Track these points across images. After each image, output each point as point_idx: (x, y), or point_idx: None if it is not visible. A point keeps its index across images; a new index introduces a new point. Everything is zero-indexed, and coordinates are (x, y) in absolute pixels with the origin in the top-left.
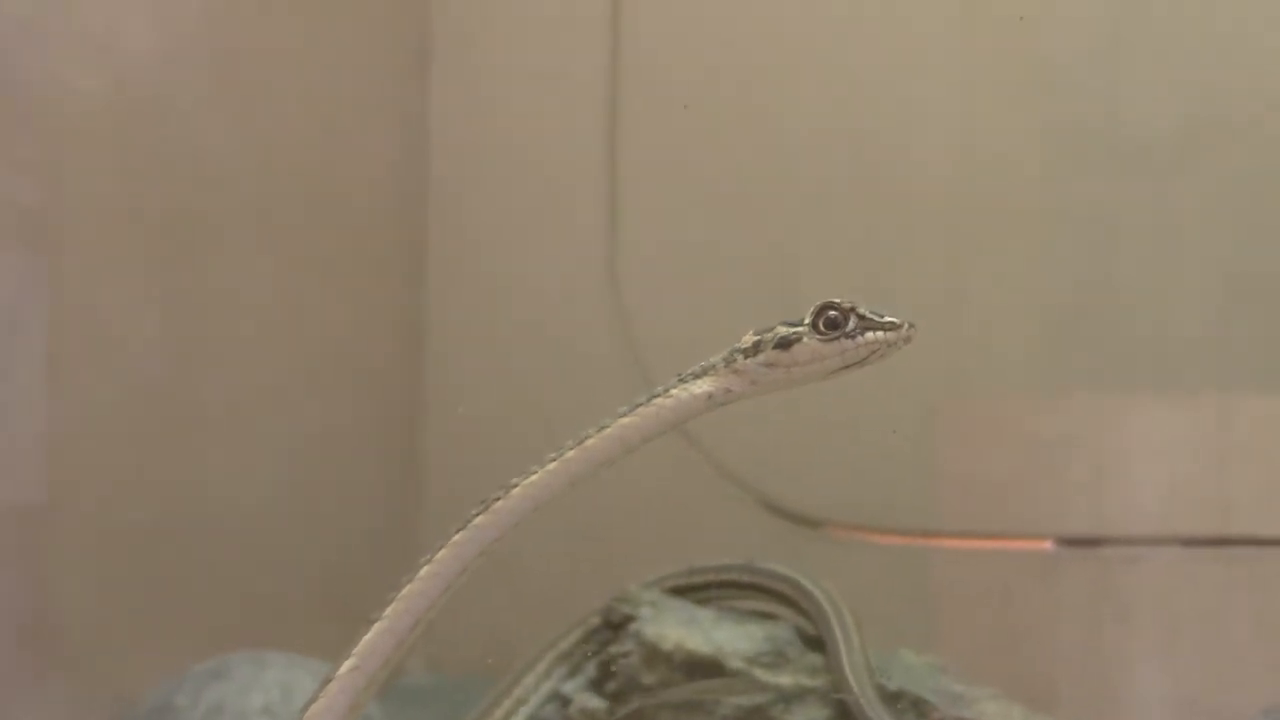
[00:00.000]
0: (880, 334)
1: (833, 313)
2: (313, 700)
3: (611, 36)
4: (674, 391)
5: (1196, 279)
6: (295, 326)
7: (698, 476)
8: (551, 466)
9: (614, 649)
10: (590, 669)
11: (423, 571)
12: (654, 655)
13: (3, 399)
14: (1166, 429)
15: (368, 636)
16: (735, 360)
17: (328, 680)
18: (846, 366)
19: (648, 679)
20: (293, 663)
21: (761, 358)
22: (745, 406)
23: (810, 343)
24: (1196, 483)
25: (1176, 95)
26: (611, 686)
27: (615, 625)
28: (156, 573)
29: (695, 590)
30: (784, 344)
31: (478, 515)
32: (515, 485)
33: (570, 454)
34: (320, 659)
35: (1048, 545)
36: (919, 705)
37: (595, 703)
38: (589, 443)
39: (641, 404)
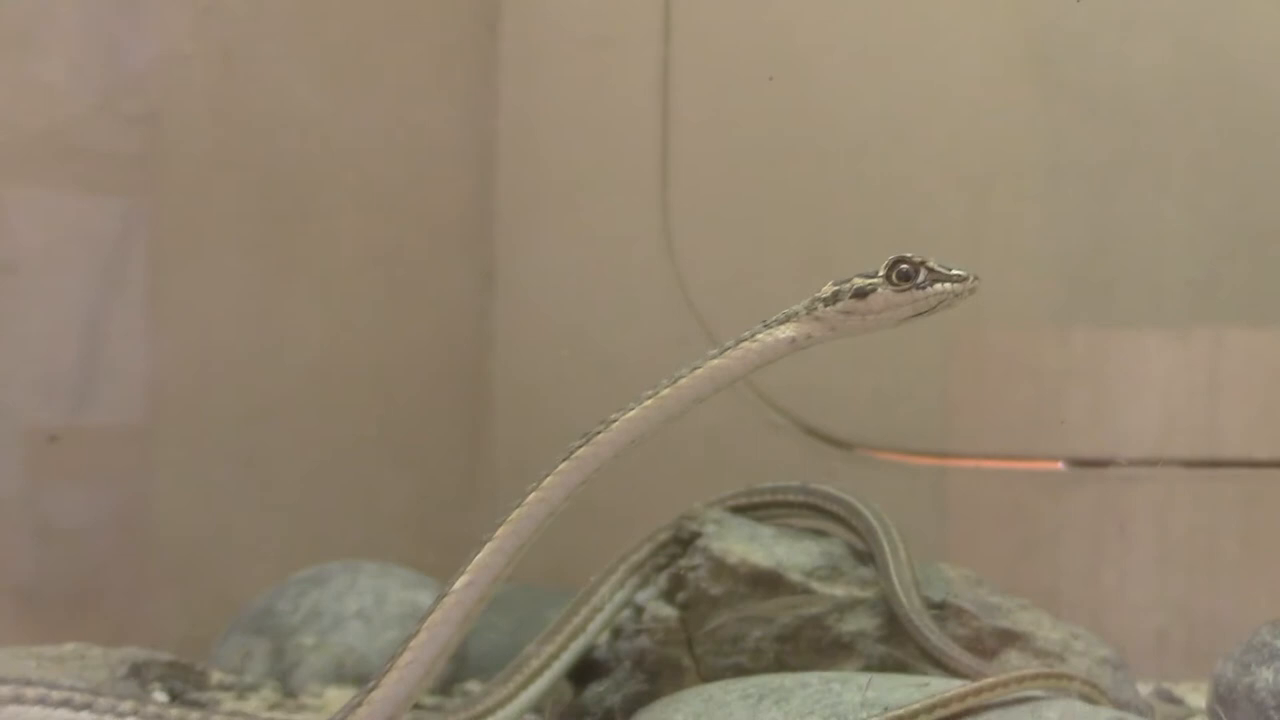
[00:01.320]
0: (948, 285)
1: (905, 266)
2: (430, 611)
3: (664, 5)
4: (760, 336)
5: (1190, 224)
6: (378, 268)
7: (746, 404)
8: (648, 403)
9: (683, 562)
10: (661, 580)
11: (530, 498)
12: (720, 568)
13: (111, 329)
14: (1163, 361)
15: (480, 555)
16: (816, 308)
17: (443, 595)
18: (917, 314)
19: (715, 590)
20: (383, 571)
21: (840, 306)
22: None
23: (885, 293)
24: (1190, 410)
25: (1174, 55)
26: (682, 596)
27: (684, 540)
28: (257, 491)
29: (755, 509)
30: (860, 294)
31: (580, 447)
32: (614, 420)
33: (665, 391)
34: (406, 569)
35: (1058, 466)
36: (960, 614)
37: (666, 611)
38: (682, 382)
39: (730, 347)
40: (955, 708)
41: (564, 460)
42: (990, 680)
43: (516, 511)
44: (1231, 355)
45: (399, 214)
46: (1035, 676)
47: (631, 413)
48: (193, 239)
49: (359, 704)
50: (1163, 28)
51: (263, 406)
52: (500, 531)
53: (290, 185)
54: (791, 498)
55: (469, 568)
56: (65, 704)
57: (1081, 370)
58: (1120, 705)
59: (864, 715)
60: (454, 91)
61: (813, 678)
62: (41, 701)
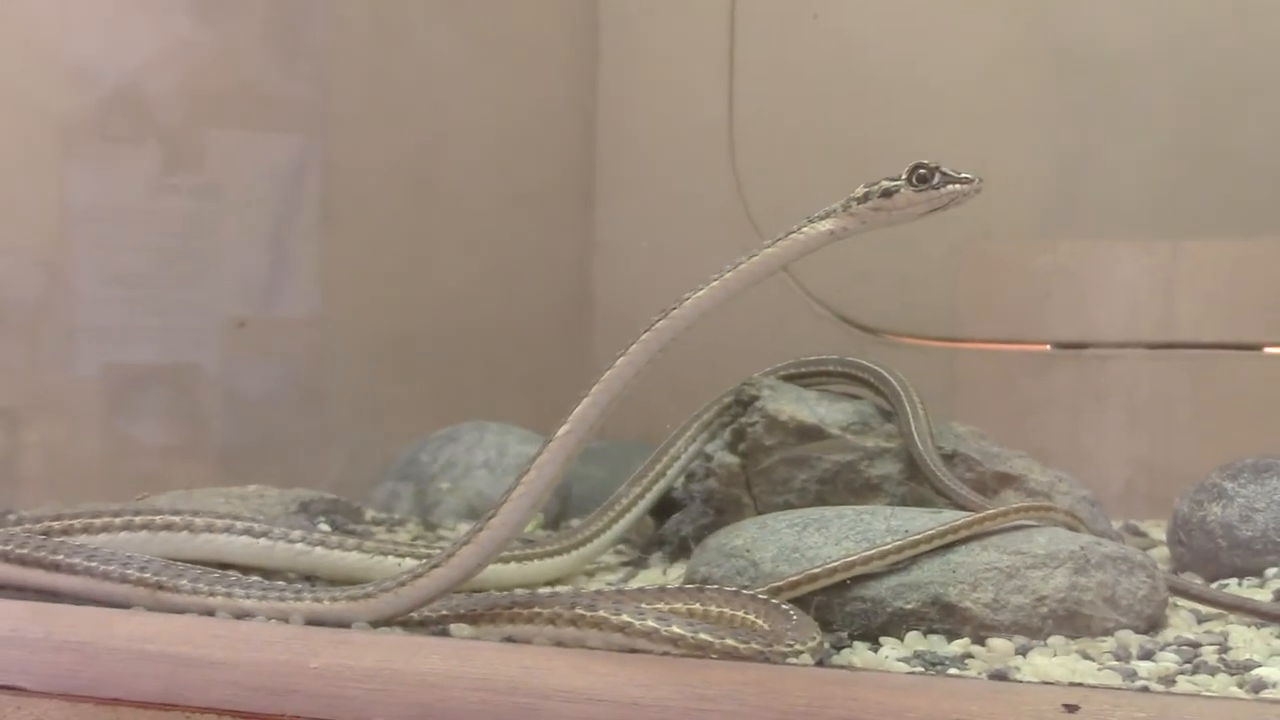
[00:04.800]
0: (958, 186)
1: (923, 170)
2: (539, 454)
3: None
4: (805, 229)
5: (1152, 156)
6: (502, 190)
7: (795, 299)
8: (714, 284)
9: (744, 420)
10: (726, 435)
11: (619, 361)
12: (774, 424)
13: (290, 240)
14: (1130, 264)
15: (579, 408)
16: (850, 206)
17: (549, 440)
18: (933, 210)
19: (769, 441)
20: (504, 430)
21: (870, 204)
22: (828, 249)
23: (906, 192)
24: (1151, 303)
25: (1139, 15)
26: (742, 447)
27: (744, 403)
28: (405, 368)
29: (802, 378)
30: (887, 194)
31: (659, 320)
32: (687, 298)
33: (729, 274)
34: (522, 428)
35: (1046, 348)
36: (967, 461)
37: (730, 459)
38: (742, 266)
39: (781, 238)
40: (964, 533)
41: (646, 331)
42: (992, 512)
43: (609, 372)
44: (1184, 260)
45: (518, 148)
46: (1028, 509)
47: (700, 292)
48: (354, 169)
49: (481, 528)
50: None
51: (410, 302)
52: (595, 388)
53: (431, 128)
54: (831, 368)
55: (570, 418)
56: (247, 532)
57: (1064, 272)
58: (1096, 534)
59: (889, 539)
60: (562, 50)
61: (848, 510)
62: (228, 530)
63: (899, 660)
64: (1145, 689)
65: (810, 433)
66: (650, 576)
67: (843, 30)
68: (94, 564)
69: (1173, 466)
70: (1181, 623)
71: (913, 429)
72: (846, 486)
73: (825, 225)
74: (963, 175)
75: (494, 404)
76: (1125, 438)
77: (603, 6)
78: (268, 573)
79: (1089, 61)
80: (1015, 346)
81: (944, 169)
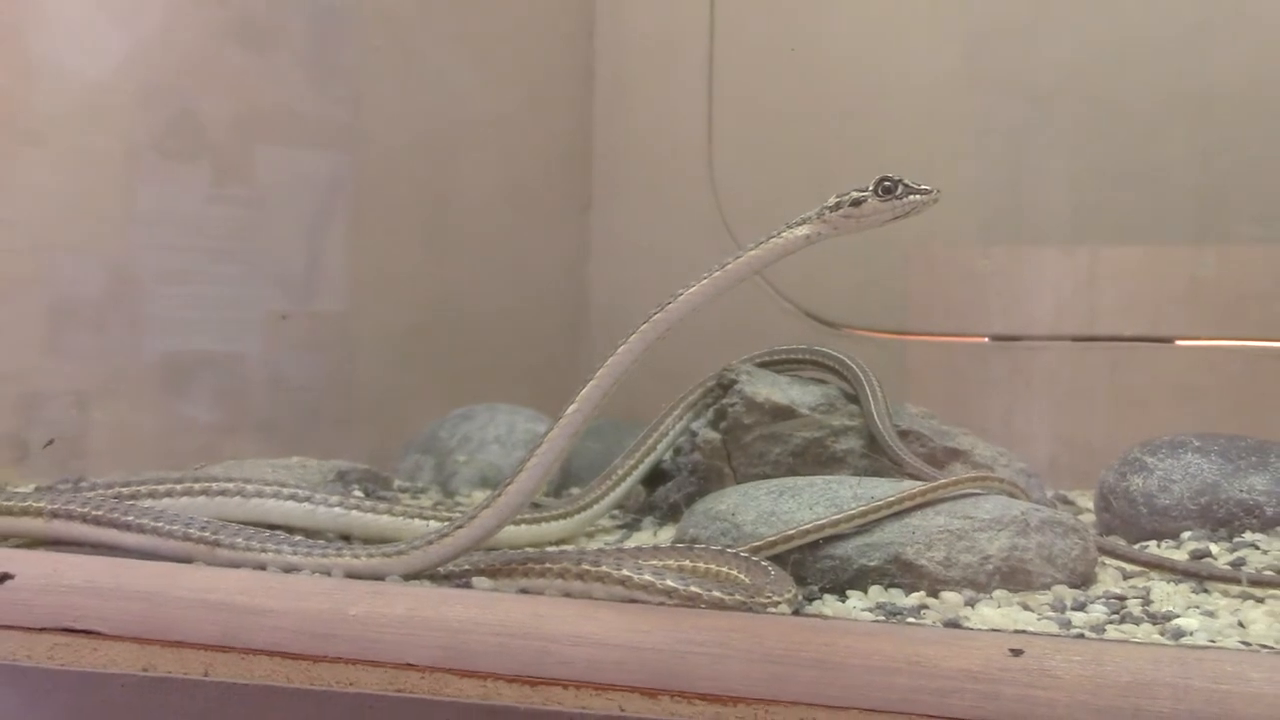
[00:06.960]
0: (919, 196)
1: (888, 182)
2: (549, 430)
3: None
4: (783, 234)
5: (1076, 172)
6: (506, 199)
7: (766, 296)
8: (704, 281)
9: (725, 401)
10: (709, 414)
11: (620, 348)
12: (751, 405)
13: (324, 243)
14: (1056, 266)
15: (585, 389)
16: (824, 213)
17: (559, 417)
18: (896, 218)
19: (747, 420)
20: (513, 410)
21: (841, 212)
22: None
23: (873, 202)
24: (1075, 300)
25: (1067, 49)
26: (724, 425)
27: (725, 386)
28: (425, 354)
29: (775, 364)
30: (856, 203)
31: (656, 313)
32: (680, 294)
33: (717, 273)
34: (529, 409)
35: (984, 340)
36: (920, 437)
37: (712, 435)
38: (729, 266)
39: (763, 241)
40: (919, 500)
41: (644, 322)
42: (944, 481)
43: (611, 358)
44: (1104, 263)
45: (523, 163)
46: (975, 479)
47: (693, 288)
48: (379, 180)
49: (500, 494)
50: (1062, 28)
51: (427, 298)
52: (599, 371)
53: (447, 144)
54: (800, 355)
55: (577, 398)
56: (292, 498)
57: (999, 273)
58: (1034, 502)
59: (854, 504)
60: (563, 76)
61: (818, 480)
62: (275, 495)
63: (864, 610)
64: (1081, 636)
65: (783, 412)
66: (642, 538)
67: (810, 60)
68: (159, 524)
69: (1094, 444)
70: (1109, 579)
71: (873, 409)
72: (815, 459)
73: (802, 230)
74: (923, 187)
75: (499, 389)
76: (1052, 419)
77: (598, 39)
78: (310, 533)
79: (1024, 89)
80: (958, 339)
81: (906, 181)
